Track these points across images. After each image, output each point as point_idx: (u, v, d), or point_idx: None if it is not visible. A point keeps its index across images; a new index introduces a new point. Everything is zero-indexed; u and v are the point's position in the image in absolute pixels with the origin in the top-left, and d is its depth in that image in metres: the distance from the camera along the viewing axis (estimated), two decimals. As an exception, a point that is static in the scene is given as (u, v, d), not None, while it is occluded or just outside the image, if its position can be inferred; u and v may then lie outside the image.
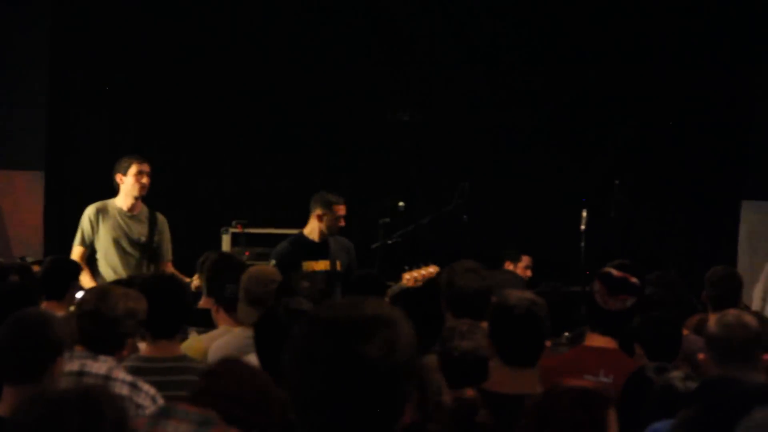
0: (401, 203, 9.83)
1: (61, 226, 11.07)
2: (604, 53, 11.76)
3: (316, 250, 9.11)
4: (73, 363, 5.05)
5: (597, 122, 11.74)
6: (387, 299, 8.26)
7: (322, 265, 9.05)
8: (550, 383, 4.61)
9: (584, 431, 3.71)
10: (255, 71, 11.62)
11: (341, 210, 9.11)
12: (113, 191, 9.14)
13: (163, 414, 3.81)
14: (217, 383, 3.94)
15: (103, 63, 11.49)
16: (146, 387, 4.96)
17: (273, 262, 8.71)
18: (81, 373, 5.02)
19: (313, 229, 9.13)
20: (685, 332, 5.81)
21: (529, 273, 10.17)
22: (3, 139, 11.24)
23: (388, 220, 9.74)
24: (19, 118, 11.28)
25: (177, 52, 11.60)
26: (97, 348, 5.12)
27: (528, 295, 5.13)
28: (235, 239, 10.26)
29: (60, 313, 6.06)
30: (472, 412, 4.27)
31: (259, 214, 10.65)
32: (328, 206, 9.07)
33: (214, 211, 11.10)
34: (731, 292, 7.44)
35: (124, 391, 4.94)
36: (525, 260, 10.36)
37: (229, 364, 4.12)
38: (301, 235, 9.18)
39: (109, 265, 8.93)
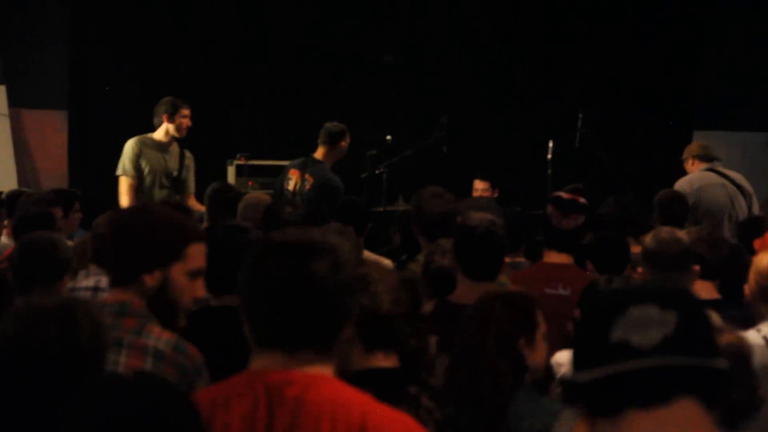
0: (388, 137, 9.81)
1: (83, 160, 11.12)
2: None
3: None
4: (89, 279, 5.11)
5: (563, 62, 11.71)
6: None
7: None
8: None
9: (515, 328, 3.81)
10: (259, 16, 11.57)
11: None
12: (131, 128, 9.16)
13: None
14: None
15: (123, 5, 11.37)
16: None
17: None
18: (96, 289, 5.04)
19: (332, 157, 8.89)
20: (639, 248, 5.82)
21: (484, 194, 9.75)
22: (30, 81, 11.22)
23: (375, 152, 9.72)
24: (44, 62, 11.26)
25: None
26: (109, 266, 5.19)
27: (488, 216, 5.17)
28: (239, 170, 10.27)
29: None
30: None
31: (260, 147, 10.66)
32: (344, 134, 8.90)
33: (221, 144, 11.10)
34: (677, 213, 7.50)
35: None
36: (477, 184, 9.68)
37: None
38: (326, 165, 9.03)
39: (146, 194, 8.85)
